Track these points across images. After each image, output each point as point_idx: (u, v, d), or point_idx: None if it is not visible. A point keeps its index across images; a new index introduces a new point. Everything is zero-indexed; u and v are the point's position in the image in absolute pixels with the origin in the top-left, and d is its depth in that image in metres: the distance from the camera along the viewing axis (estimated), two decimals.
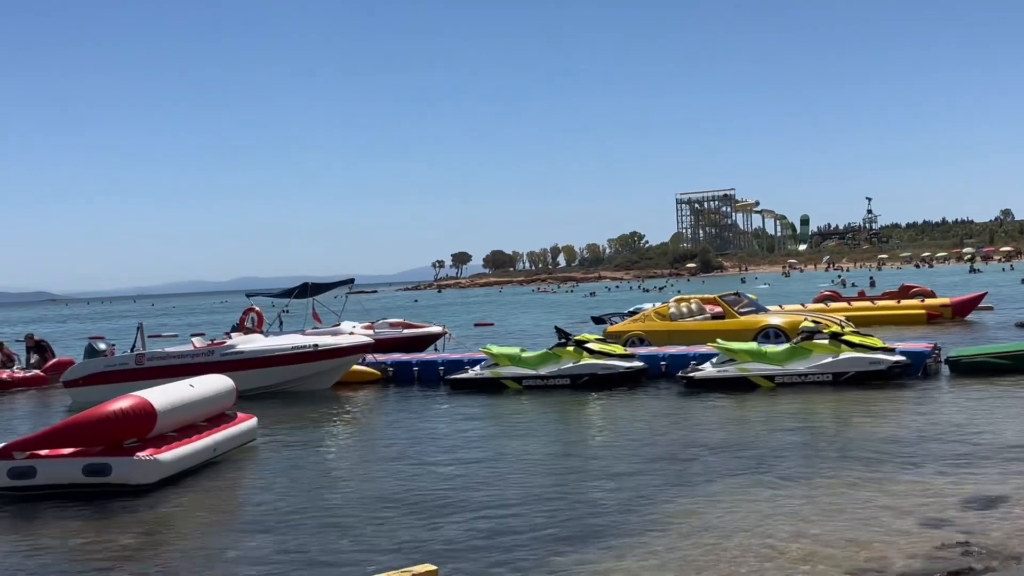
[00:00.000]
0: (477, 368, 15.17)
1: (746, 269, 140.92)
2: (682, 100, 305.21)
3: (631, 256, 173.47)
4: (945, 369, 13.58)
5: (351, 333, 17.96)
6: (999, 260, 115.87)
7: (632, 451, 9.45)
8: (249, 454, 10.40)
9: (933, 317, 23.56)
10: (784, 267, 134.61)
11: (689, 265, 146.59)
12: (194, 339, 16.99)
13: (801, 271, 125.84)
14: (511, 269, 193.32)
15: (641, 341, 17.12)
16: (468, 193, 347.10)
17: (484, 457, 9.58)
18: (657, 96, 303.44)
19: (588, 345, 14.32)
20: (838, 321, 15.76)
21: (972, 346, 14.79)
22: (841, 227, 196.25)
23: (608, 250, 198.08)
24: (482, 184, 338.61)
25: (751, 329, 16.48)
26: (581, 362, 14.12)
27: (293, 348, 15.56)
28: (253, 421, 10.77)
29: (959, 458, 8.15)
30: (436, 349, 20.22)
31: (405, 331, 20.68)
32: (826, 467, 8.14)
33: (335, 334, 18.10)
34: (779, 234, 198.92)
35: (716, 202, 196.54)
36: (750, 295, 21.99)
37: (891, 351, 12.95)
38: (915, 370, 13.11)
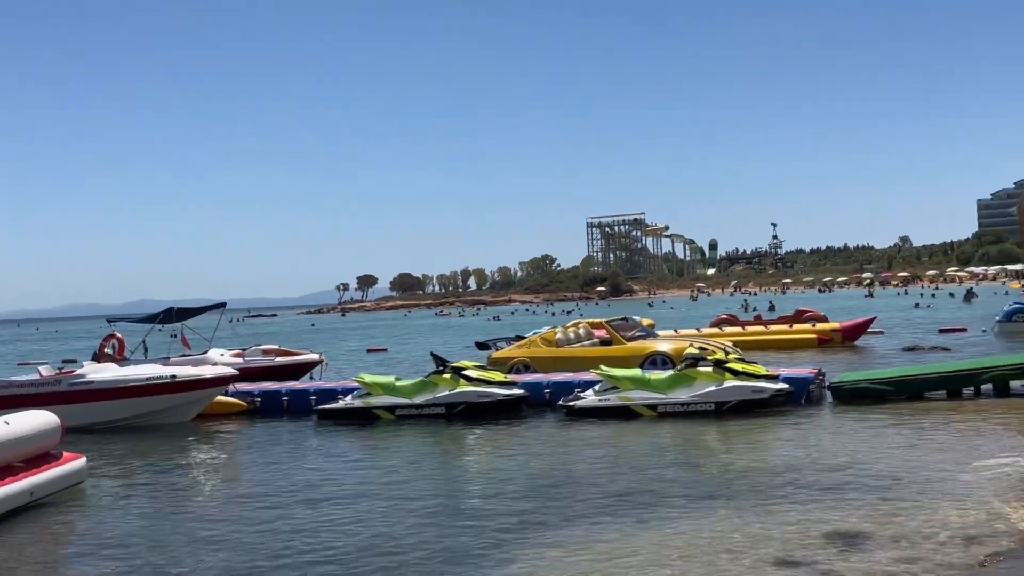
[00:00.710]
0: (348, 398, 14.55)
1: (655, 293, 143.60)
2: (595, 123, 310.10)
3: (542, 279, 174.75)
4: (828, 396, 13.64)
5: (217, 362, 17.06)
6: (896, 285, 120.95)
7: (497, 488, 9.03)
8: (76, 498, 9.55)
9: (824, 341, 24.08)
10: (692, 291, 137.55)
11: (599, 289, 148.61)
12: (41, 368, 15.85)
13: (709, 295, 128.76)
14: (419, 292, 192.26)
15: (526, 368, 16.79)
16: (377, 215, 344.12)
17: (341, 495, 9.04)
18: (572, 119, 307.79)
19: (466, 372, 13.89)
20: (723, 347, 15.76)
21: (856, 372, 14.94)
22: (748, 252, 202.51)
23: (520, 273, 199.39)
24: (392, 206, 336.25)
25: (638, 356, 16.33)
26: (458, 390, 13.67)
27: (148, 379, 14.63)
28: (81, 461, 9.92)
29: (827, 491, 8.00)
30: (312, 377, 19.45)
31: (278, 359, 19.83)
32: (691, 503, 7.87)
33: (201, 362, 17.18)
34: (688, 258, 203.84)
35: (626, 226, 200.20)
36: (640, 319, 22.04)
37: (774, 378, 12.93)
38: (798, 397, 13.11)
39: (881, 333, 28.10)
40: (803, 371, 14.02)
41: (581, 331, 18.32)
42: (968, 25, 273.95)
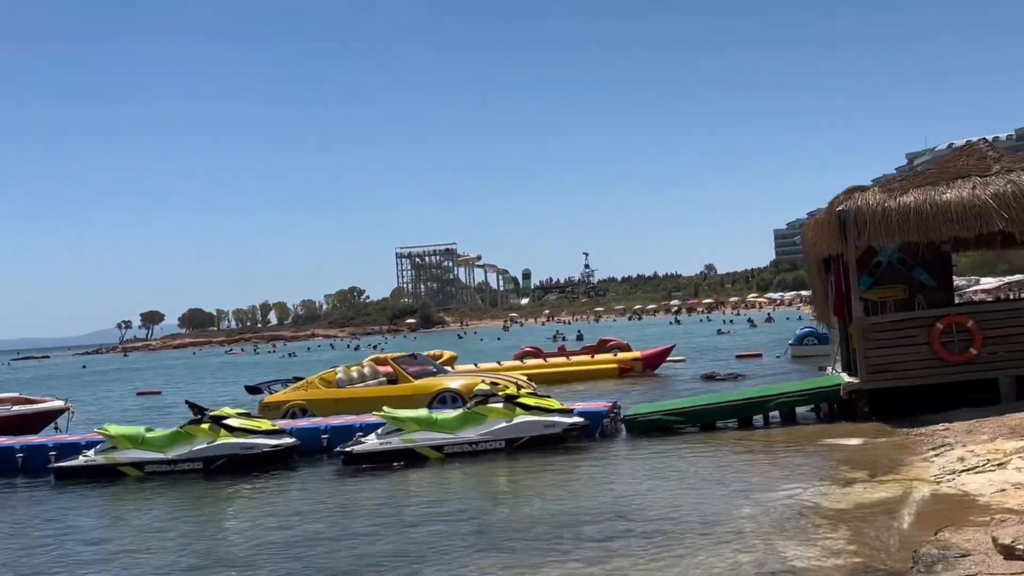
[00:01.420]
0: (91, 452, 13.03)
1: (467, 324, 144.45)
2: (405, 152, 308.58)
3: (348, 312, 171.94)
4: (623, 429, 13.57)
5: None
6: (701, 312, 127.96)
7: (250, 556, 8.08)
8: None
9: (625, 371, 24.53)
10: (506, 321, 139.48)
11: (408, 321, 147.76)
12: None
13: (521, 325, 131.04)
14: (212, 329, 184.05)
15: (304, 412, 15.78)
16: (163, 248, 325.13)
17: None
18: (381, 147, 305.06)
19: (227, 421, 12.76)
20: (516, 381, 15.46)
21: (651, 403, 15.02)
22: (562, 281, 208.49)
23: (326, 306, 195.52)
24: (180, 238, 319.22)
25: (426, 394, 15.74)
26: (218, 442, 12.51)
27: None
28: None
29: (609, 539, 7.64)
30: (57, 428, 17.53)
31: (15, 407, 17.76)
32: (457, 561, 7.28)
33: None
34: (502, 288, 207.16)
35: (438, 256, 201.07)
36: (441, 352, 21.68)
37: (568, 412, 12.69)
38: (593, 431, 12.94)
39: (683, 360, 29.07)
40: (598, 404, 13.90)
41: (366, 370, 17.51)
42: (760, 66, 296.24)
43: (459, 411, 12.86)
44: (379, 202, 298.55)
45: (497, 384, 14.36)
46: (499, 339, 72.69)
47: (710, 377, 22.22)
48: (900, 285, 14.29)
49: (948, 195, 12.62)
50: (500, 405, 12.41)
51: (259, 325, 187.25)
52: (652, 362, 25.32)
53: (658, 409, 13.56)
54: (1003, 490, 7.85)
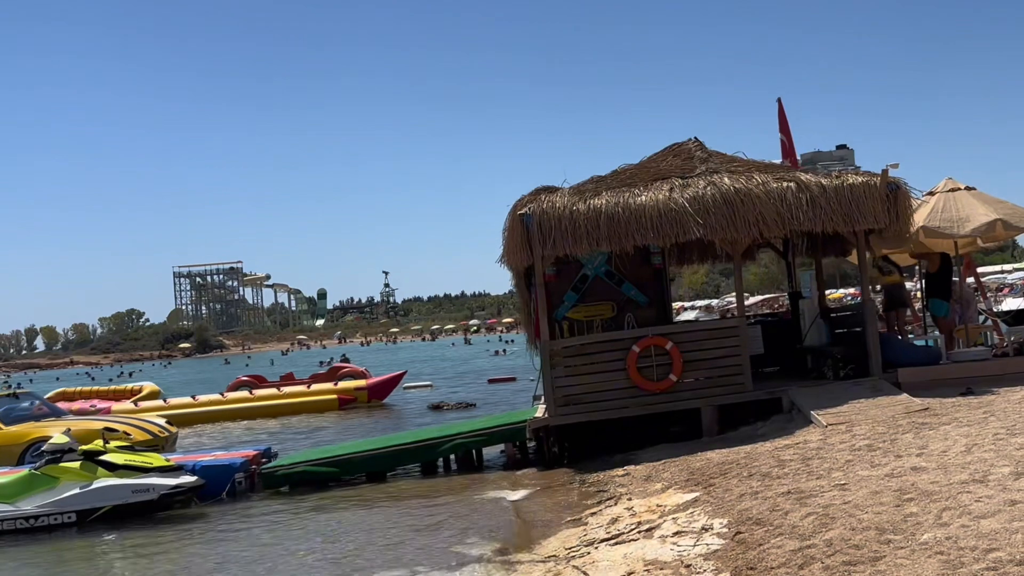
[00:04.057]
0: None
1: (250, 348, 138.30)
2: (178, 170, 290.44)
3: (113, 338, 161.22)
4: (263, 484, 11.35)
5: None
6: (501, 331, 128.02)
7: None
8: None
9: (347, 402, 22.41)
10: (292, 344, 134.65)
11: (183, 345, 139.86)
12: None
13: (309, 348, 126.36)
14: None
15: None
16: None
17: None
18: (159, 159, 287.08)
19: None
20: (142, 426, 12.96)
21: (304, 451, 12.90)
22: (363, 300, 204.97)
23: (100, 330, 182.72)
24: None
25: (16, 443, 12.91)
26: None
27: None
28: None
29: None
30: None
31: None
32: None
33: None
34: (295, 309, 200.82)
35: (221, 275, 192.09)
36: (143, 385, 18.91)
37: (175, 470, 10.31)
38: (217, 491, 10.64)
39: (430, 386, 27.33)
40: (236, 455, 11.62)
41: None
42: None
43: (23, 472, 10.20)
44: (157, 217, 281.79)
45: (115, 431, 11.81)
46: (272, 363, 68.68)
47: (438, 407, 20.46)
48: (608, 302, 12.93)
49: (643, 199, 11.31)
50: (77, 464, 9.88)
51: (22, 351, 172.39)
52: (379, 391, 23.26)
53: (304, 459, 11.44)
54: (630, 574, 6.23)
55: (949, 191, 12.62)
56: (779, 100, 15.65)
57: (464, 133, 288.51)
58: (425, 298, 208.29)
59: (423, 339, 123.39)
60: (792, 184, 11.60)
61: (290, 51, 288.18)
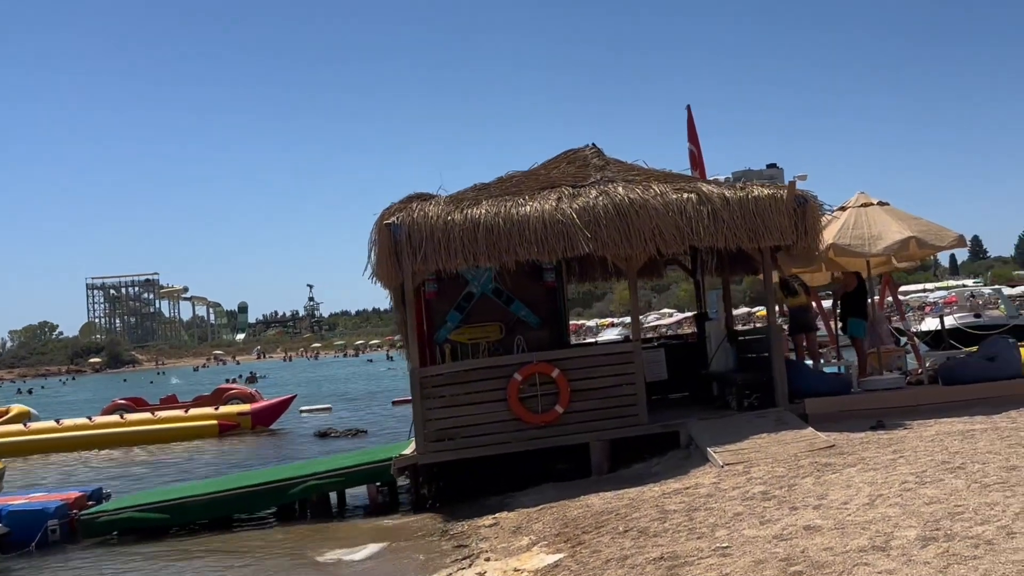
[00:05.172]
0: None
1: (163, 363, 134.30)
2: (93, 177, 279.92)
3: (20, 352, 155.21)
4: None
5: None
6: None
7: None
8: None
9: (228, 428, 20.89)
10: (208, 359, 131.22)
11: (93, 360, 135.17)
12: None
13: (225, 363, 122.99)
14: None
15: None
16: None
17: None
18: (65, 172, 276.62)
19: None
20: None
21: (139, 493, 11.49)
22: (288, 315, 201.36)
23: (9, 343, 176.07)
24: None
25: None
26: None
27: None
28: None
29: None
30: None
31: None
32: None
33: None
34: (214, 322, 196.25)
35: (137, 288, 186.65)
36: (7, 407, 17.29)
37: None
38: (26, 540, 9.23)
39: (328, 409, 25.96)
40: (56, 497, 10.20)
41: None
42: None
43: None
44: (71, 227, 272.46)
45: None
46: (175, 381, 66.18)
47: (324, 435, 19.11)
48: (496, 323, 11.84)
49: (527, 209, 10.25)
50: None
51: None
52: (264, 417, 21.77)
53: (132, 504, 10.08)
54: None
55: (861, 206, 11.84)
56: (688, 107, 14.82)
57: (382, 145, 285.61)
58: (353, 312, 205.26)
59: (345, 355, 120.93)
60: (693, 195, 10.67)
61: (201, 51, 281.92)
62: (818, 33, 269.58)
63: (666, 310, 76.28)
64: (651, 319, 75.43)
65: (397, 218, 10.07)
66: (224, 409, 21.79)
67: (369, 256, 10.29)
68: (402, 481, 10.95)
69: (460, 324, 11.74)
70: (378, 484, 10.44)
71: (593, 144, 12.31)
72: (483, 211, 10.20)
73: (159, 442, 19.81)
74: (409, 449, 10.47)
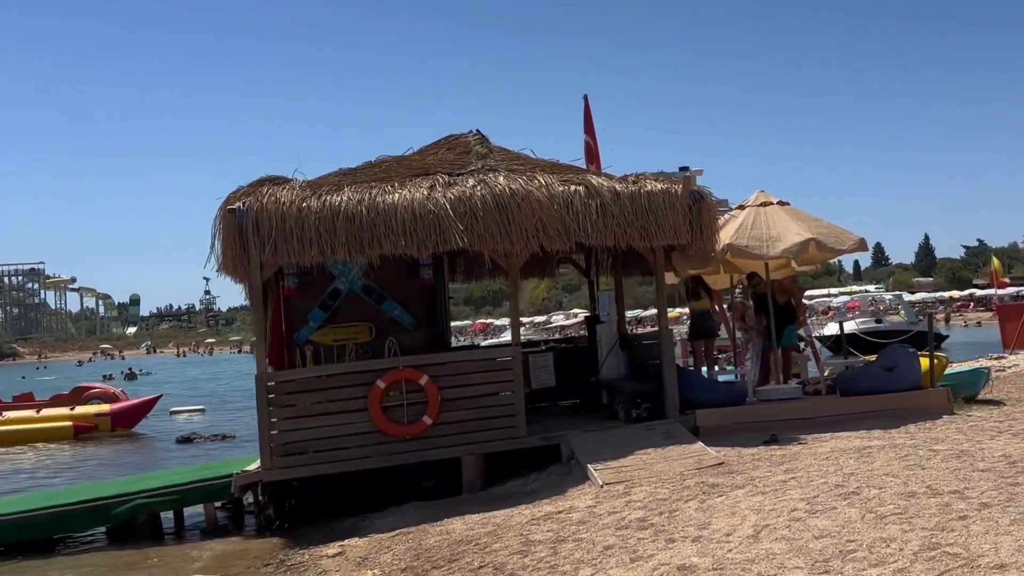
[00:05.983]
0: None
1: (46, 356, 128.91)
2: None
3: None
4: None
5: None
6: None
7: None
8: None
9: (84, 430, 19.39)
10: (95, 353, 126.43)
11: None
12: None
13: (112, 358, 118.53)
14: None
15: None
16: None
17: None
18: None
19: None
20: None
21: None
22: (183, 308, 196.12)
23: None
24: None
25: None
26: None
27: None
28: None
29: None
30: None
31: None
32: None
33: None
34: (104, 315, 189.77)
35: (20, 277, 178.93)
36: None
37: None
38: None
39: (202, 411, 24.55)
40: None
41: None
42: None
43: None
44: None
45: None
46: (45, 377, 63.13)
47: (188, 440, 17.81)
48: (365, 323, 10.82)
49: (394, 197, 9.32)
50: None
51: None
52: (125, 419, 20.31)
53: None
54: None
55: (760, 205, 11.25)
56: (585, 97, 14.05)
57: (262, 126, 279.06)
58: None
59: (240, 351, 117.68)
60: (581, 188, 9.90)
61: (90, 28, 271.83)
62: (723, 30, 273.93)
63: (575, 310, 76.00)
64: (559, 319, 74.89)
65: (243, 203, 9.04)
66: (81, 410, 20.22)
67: (212, 246, 9.21)
68: (251, 499, 9.90)
69: (324, 324, 10.71)
70: (219, 504, 9.36)
71: (477, 130, 11.45)
72: (344, 198, 9.25)
73: (5, 445, 18.22)
74: (254, 465, 9.43)
